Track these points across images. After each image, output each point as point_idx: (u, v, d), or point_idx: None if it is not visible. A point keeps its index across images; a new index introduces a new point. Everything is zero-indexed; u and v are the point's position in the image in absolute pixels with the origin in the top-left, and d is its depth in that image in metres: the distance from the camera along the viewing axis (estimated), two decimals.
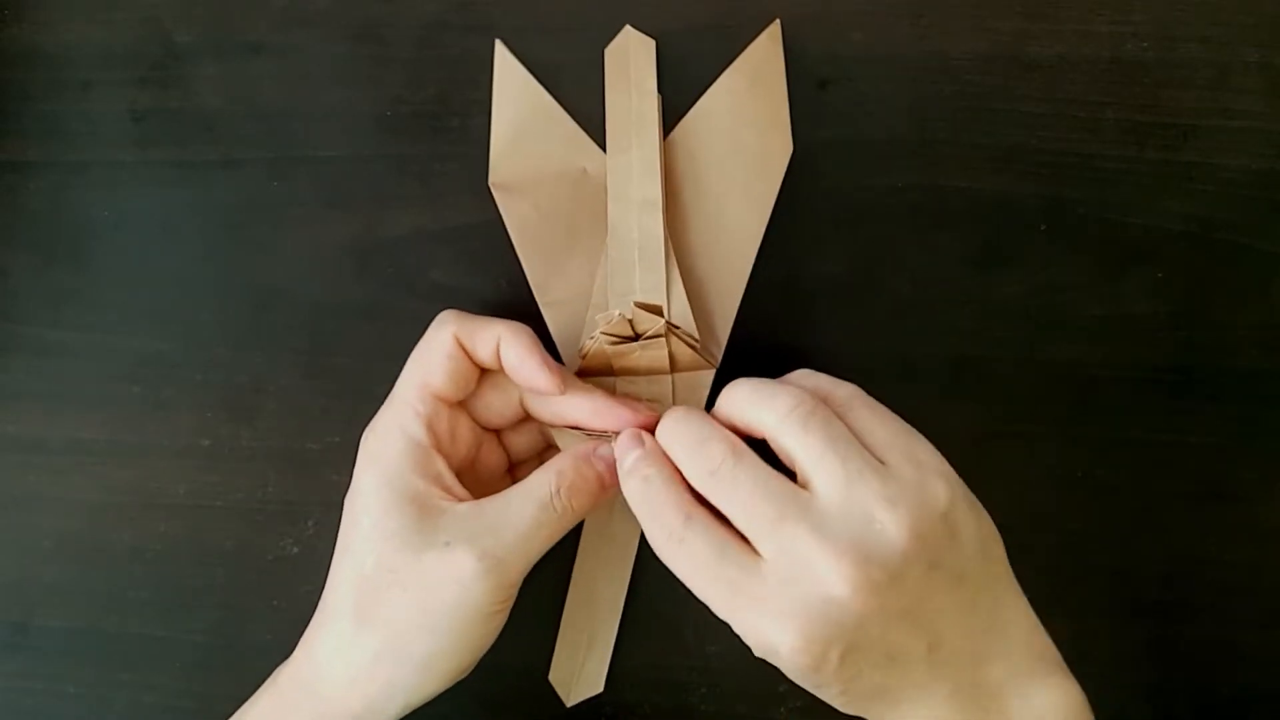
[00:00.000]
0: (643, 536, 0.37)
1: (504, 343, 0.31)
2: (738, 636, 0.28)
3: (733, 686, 0.37)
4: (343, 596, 0.30)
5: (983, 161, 0.38)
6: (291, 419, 0.38)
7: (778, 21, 0.38)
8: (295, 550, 0.38)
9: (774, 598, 0.27)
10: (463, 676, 0.31)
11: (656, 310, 0.32)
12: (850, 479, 0.27)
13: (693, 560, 0.28)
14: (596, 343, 0.33)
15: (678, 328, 0.34)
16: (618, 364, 0.34)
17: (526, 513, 0.30)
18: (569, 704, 0.36)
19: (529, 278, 0.37)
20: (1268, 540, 0.37)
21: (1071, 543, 0.37)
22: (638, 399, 0.34)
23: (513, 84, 0.39)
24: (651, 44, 0.38)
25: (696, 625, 0.37)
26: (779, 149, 0.38)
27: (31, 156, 0.40)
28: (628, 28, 0.38)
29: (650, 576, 0.37)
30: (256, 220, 0.39)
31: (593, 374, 0.35)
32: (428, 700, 0.31)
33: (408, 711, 0.31)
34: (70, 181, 0.40)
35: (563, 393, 0.32)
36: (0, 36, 0.40)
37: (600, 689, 0.36)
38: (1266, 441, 0.37)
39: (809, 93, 0.39)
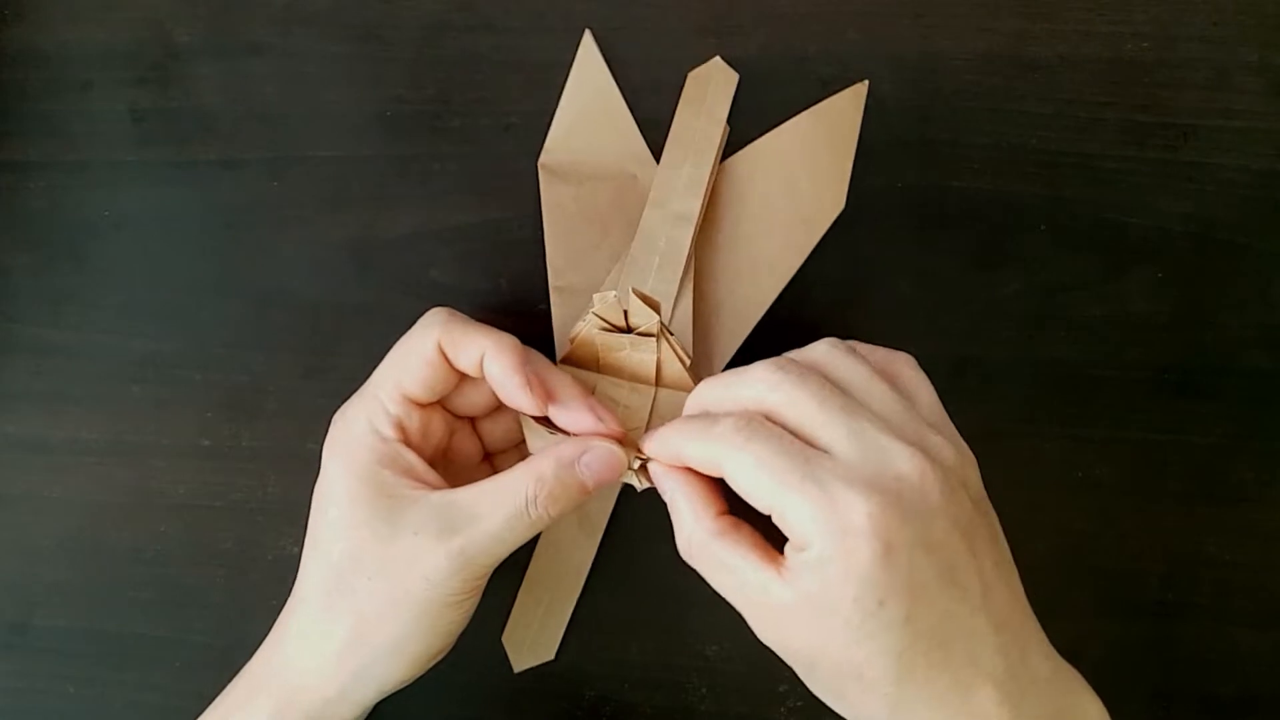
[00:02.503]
0: (614, 514, 0.36)
1: (488, 357, 0.31)
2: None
3: (733, 686, 0.37)
4: (311, 585, 0.31)
5: (983, 161, 0.38)
6: (291, 419, 0.38)
7: (866, 83, 0.38)
8: (295, 550, 0.38)
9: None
10: (438, 659, 0.31)
11: (654, 306, 0.32)
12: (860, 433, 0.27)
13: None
14: (588, 325, 0.33)
15: (672, 334, 0.33)
16: (604, 358, 0.34)
17: (499, 515, 0.29)
18: (517, 669, 0.36)
19: (549, 259, 0.37)
20: (1268, 540, 0.37)
21: (1071, 543, 0.37)
22: (615, 404, 0.34)
23: (590, 76, 0.39)
24: (734, 77, 0.39)
25: (696, 625, 0.37)
26: (831, 203, 0.38)
27: (31, 156, 0.40)
28: (717, 59, 0.38)
29: (651, 577, 0.37)
30: (256, 220, 0.39)
31: (577, 365, 0.35)
32: (405, 683, 0.31)
33: (383, 695, 0.31)
34: (70, 181, 0.40)
35: (543, 412, 0.31)
36: (0, 36, 0.40)
37: (551, 657, 0.36)
38: (1266, 441, 0.37)
39: (809, 93, 0.39)
